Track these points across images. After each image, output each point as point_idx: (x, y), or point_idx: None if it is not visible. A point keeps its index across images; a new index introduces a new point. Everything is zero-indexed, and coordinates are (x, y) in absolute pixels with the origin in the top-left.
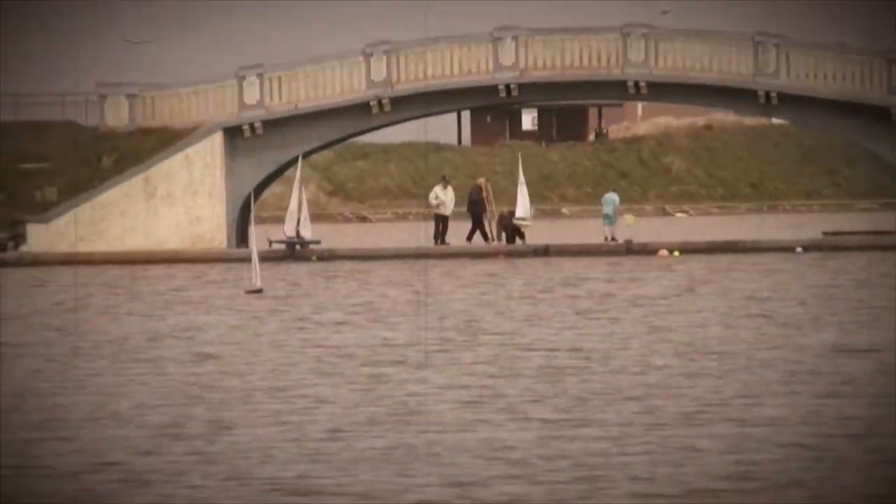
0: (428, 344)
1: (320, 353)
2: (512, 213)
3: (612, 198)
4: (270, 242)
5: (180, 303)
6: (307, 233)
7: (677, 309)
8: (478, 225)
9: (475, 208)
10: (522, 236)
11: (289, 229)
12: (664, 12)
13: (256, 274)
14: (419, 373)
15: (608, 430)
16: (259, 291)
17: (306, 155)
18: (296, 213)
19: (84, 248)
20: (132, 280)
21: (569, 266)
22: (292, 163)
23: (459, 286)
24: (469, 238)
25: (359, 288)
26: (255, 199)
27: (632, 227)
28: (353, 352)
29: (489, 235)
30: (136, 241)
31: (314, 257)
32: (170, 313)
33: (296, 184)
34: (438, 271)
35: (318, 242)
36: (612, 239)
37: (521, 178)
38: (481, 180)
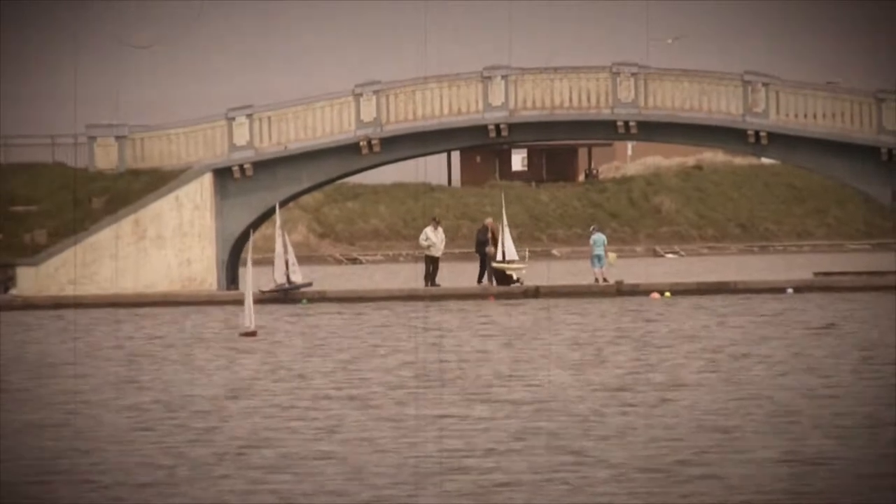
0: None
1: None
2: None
3: (600, 238)
4: (262, 292)
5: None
6: (297, 277)
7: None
8: (486, 266)
9: (482, 249)
10: (512, 279)
11: (279, 276)
12: (672, 40)
13: (250, 316)
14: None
15: None
16: (253, 334)
17: (294, 197)
18: (283, 259)
19: (75, 291)
20: (134, 323)
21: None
22: (283, 204)
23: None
24: (479, 280)
25: (358, 327)
26: (245, 241)
27: (613, 266)
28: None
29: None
30: (126, 284)
31: (304, 301)
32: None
33: (277, 231)
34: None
35: (309, 285)
36: (604, 280)
37: (504, 222)
38: (488, 221)
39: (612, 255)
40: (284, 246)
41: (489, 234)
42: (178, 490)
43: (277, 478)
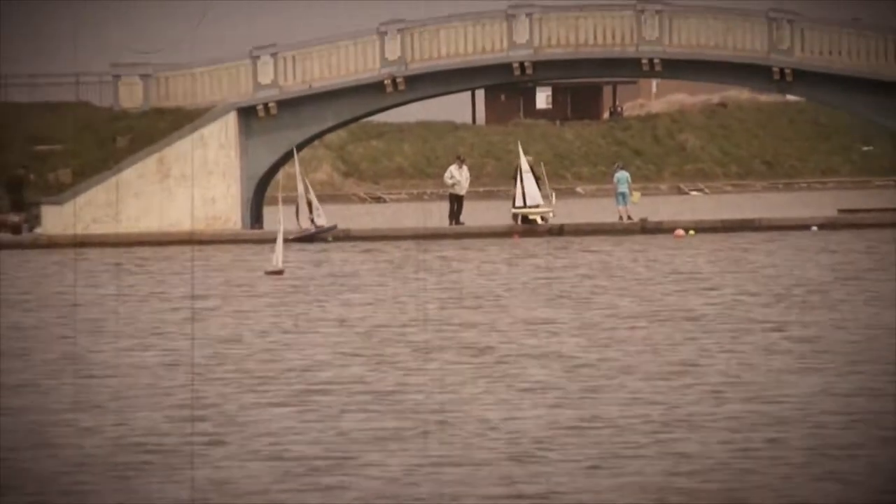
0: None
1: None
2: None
3: (624, 175)
4: (288, 239)
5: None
6: (322, 220)
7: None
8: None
9: None
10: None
11: (303, 220)
12: None
13: (279, 256)
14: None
15: None
16: (280, 273)
17: (319, 136)
18: (305, 202)
19: (98, 229)
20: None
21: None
22: (307, 143)
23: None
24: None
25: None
26: (270, 179)
27: (637, 204)
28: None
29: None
30: (150, 223)
31: (330, 238)
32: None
33: (298, 175)
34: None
35: (334, 227)
36: (628, 217)
37: (525, 166)
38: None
39: (636, 194)
40: (306, 188)
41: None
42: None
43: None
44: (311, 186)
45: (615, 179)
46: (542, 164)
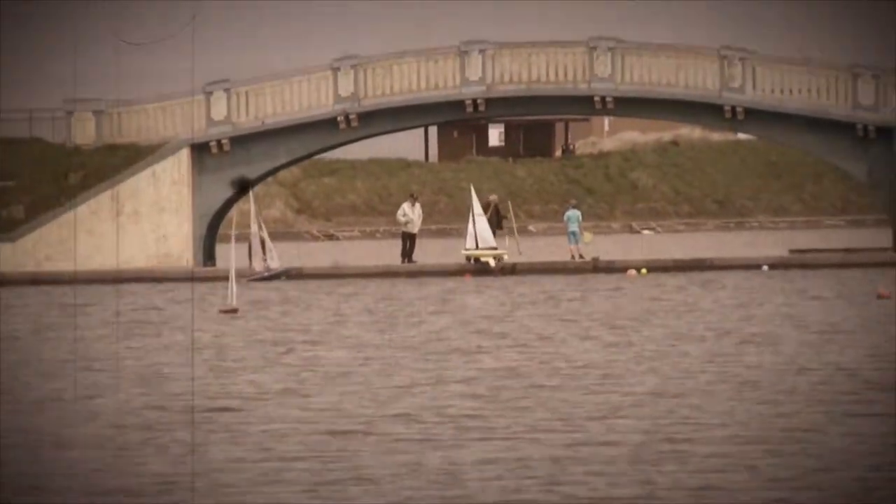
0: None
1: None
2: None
3: (575, 214)
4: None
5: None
6: (275, 264)
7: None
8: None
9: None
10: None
11: (257, 262)
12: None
13: (233, 293)
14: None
15: None
16: (234, 311)
17: (272, 172)
18: (259, 243)
19: (51, 266)
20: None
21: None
22: (260, 179)
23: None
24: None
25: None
26: (223, 216)
27: (589, 244)
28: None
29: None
30: (103, 260)
31: (283, 276)
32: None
33: (252, 216)
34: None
35: (287, 272)
36: (580, 256)
37: (477, 209)
38: (493, 197)
39: (587, 234)
40: (260, 227)
41: (491, 212)
42: None
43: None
44: (264, 225)
45: (566, 218)
46: (508, 202)
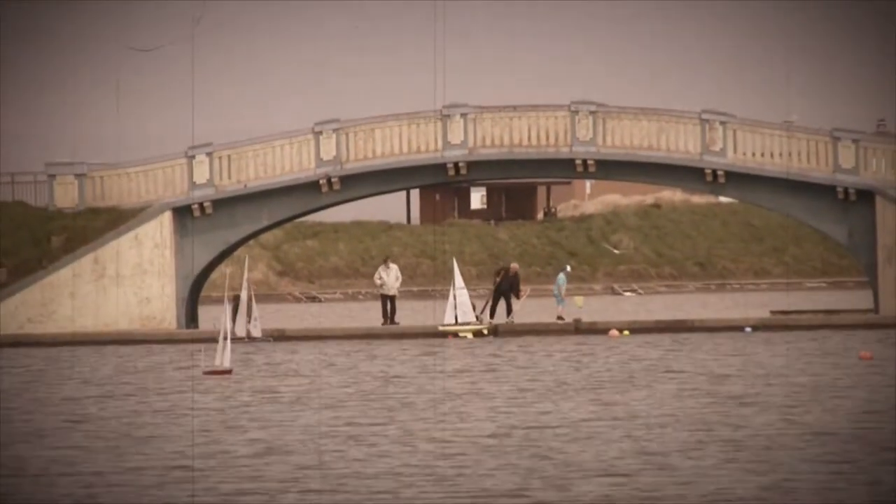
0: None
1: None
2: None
3: (561, 278)
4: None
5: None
6: (257, 332)
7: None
8: (508, 302)
9: (506, 295)
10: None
11: (240, 328)
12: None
13: (226, 353)
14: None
15: None
16: (228, 373)
17: (255, 235)
18: (245, 312)
19: (34, 329)
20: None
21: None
22: (242, 242)
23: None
24: (507, 314)
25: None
26: (205, 279)
27: (582, 308)
28: None
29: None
30: (85, 322)
31: (271, 339)
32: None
33: (245, 283)
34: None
35: (269, 341)
36: (560, 318)
37: (459, 282)
38: (514, 265)
39: (578, 299)
40: (249, 297)
41: (512, 280)
42: None
43: None
44: (253, 288)
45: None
46: (517, 266)
